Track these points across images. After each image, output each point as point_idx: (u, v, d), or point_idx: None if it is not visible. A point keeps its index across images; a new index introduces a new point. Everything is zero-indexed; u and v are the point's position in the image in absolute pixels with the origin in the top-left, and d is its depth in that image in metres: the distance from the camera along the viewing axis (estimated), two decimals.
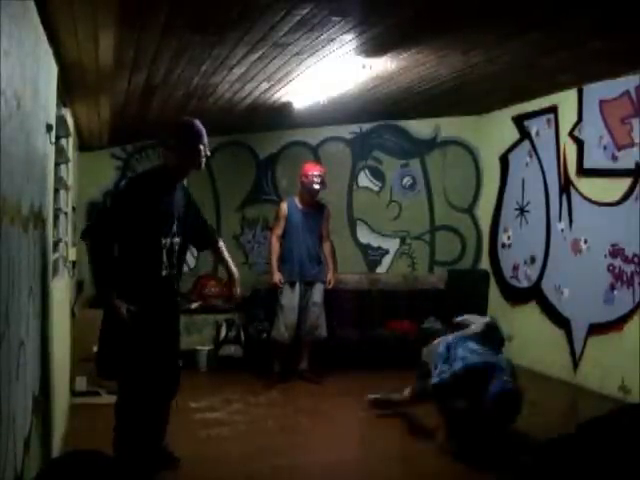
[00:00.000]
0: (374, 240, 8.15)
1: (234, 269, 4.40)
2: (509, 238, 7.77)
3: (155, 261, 3.99)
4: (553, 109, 6.96)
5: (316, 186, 6.73)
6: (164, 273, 4.04)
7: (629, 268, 5.95)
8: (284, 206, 6.90)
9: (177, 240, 4.10)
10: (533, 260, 7.29)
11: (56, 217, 4.47)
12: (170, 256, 4.06)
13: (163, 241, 4.01)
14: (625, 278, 5.99)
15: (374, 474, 4.52)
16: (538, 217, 7.21)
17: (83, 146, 7.21)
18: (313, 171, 6.77)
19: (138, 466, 3.97)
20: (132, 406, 4.09)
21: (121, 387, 4.15)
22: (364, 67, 4.94)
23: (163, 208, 4.02)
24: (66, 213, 5.15)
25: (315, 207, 6.90)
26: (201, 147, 4.05)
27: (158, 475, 4.11)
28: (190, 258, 7.67)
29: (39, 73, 3.20)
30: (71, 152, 5.45)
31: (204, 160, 4.12)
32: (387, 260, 8.18)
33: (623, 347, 5.97)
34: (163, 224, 4.02)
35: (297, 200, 6.89)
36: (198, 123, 4.10)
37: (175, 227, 4.09)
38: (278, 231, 6.85)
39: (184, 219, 4.17)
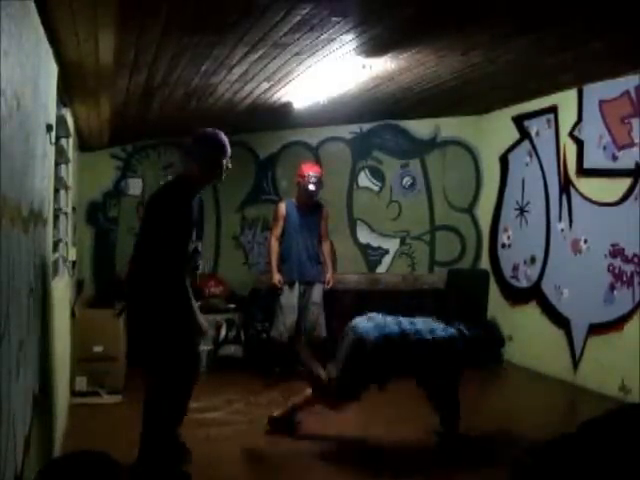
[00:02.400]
0: (374, 240, 8.15)
1: None
2: (509, 238, 7.77)
3: (181, 264, 4.14)
4: (553, 109, 6.96)
5: (312, 187, 6.73)
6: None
7: (629, 268, 5.95)
8: (282, 206, 6.90)
9: (196, 244, 4.27)
10: (533, 260, 7.29)
11: (56, 217, 4.47)
12: (190, 259, 4.21)
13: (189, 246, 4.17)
14: (625, 278, 5.99)
15: (374, 474, 4.52)
16: (538, 217, 7.21)
17: (83, 146, 7.21)
18: (309, 172, 6.78)
19: (162, 462, 4.02)
20: (169, 399, 4.15)
21: (159, 381, 4.19)
22: (364, 67, 4.94)
23: (192, 216, 4.16)
24: (66, 213, 5.15)
25: (313, 207, 6.90)
26: (224, 161, 4.13)
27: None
28: None
29: (39, 73, 3.20)
30: (71, 152, 5.45)
31: (225, 173, 4.20)
32: (387, 260, 8.18)
33: (623, 347, 5.96)
34: (191, 231, 4.16)
35: (295, 200, 6.90)
36: (223, 136, 4.16)
37: (194, 233, 4.24)
38: (277, 231, 6.86)
39: (199, 225, 4.43)
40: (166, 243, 4.03)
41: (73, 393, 5.74)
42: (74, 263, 6.35)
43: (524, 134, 7.46)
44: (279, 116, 6.74)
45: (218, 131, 4.19)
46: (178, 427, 4.28)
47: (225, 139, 4.14)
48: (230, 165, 4.20)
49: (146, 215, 4.30)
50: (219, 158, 4.09)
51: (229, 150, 4.16)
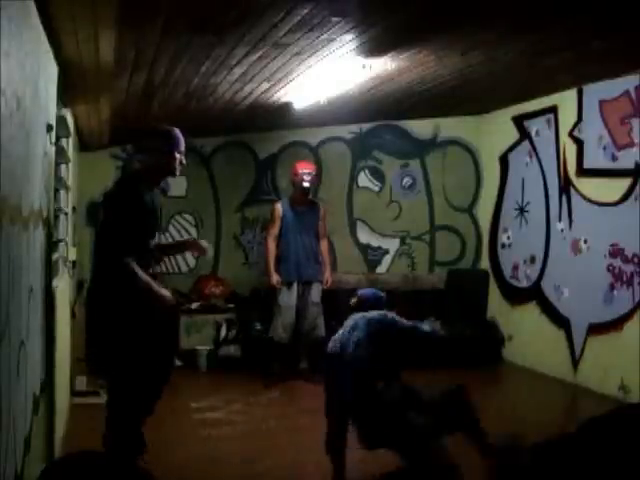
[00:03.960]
0: (374, 240, 8.15)
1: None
2: (509, 238, 7.77)
3: (145, 262, 4.17)
4: (553, 109, 6.96)
5: (305, 184, 6.75)
6: (151, 271, 4.27)
7: (629, 268, 5.95)
8: (278, 206, 6.91)
9: (155, 241, 4.38)
10: (533, 260, 7.29)
11: (56, 217, 4.46)
12: (152, 256, 4.31)
13: (150, 242, 4.25)
14: (625, 278, 5.99)
15: (374, 474, 4.52)
16: (538, 217, 7.21)
17: (83, 146, 7.21)
18: (303, 169, 6.80)
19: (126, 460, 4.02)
20: (126, 403, 4.14)
21: (116, 385, 4.18)
22: (364, 67, 4.94)
23: (151, 212, 4.20)
24: (66, 213, 5.15)
25: (310, 206, 6.91)
26: (177, 154, 4.19)
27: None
28: (190, 258, 7.69)
29: (39, 73, 3.20)
30: (71, 152, 5.45)
31: (179, 167, 4.26)
32: (387, 260, 8.18)
33: (623, 347, 5.97)
34: (151, 227, 4.23)
35: (290, 200, 6.91)
36: (177, 131, 4.23)
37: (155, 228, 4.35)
38: (274, 232, 6.86)
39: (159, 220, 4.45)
40: (120, 238, 4.01)
41: (73, 393, 5.74)
42: (74, 263, 6.35)
43: (524, 134, 7.46)
44: (279, 116, 6.74)
45: (172, 127, 4.28)
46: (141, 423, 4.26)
47: (179, 134, 4.21)
48: (184, 160, 4.26)
49: (103, 214, 4.29)
50: (172, 151, 4.15)
51: (183, 145, 4.22)
